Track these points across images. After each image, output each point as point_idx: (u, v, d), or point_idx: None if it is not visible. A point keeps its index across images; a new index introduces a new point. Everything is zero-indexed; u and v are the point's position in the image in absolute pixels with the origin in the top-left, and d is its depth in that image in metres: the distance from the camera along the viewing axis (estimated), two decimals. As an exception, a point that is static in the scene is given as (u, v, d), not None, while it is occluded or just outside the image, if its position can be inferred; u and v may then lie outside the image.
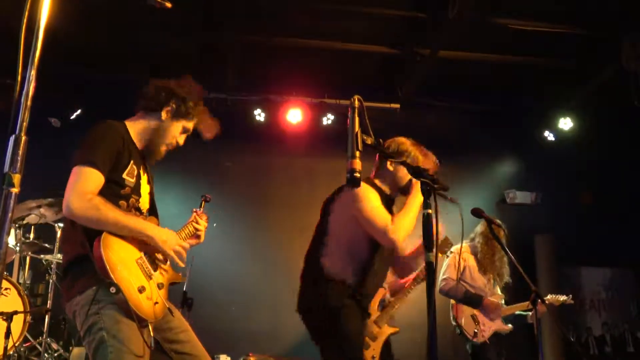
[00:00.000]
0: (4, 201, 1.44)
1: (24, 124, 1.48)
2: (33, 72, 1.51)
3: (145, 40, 5.92)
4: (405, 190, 3.34)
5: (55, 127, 6.45)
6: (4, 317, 4.24)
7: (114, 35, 5.87)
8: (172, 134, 2.67)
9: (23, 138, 1.47)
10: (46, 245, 5.29)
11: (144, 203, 2.66)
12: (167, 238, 2.48)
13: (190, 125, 2.71)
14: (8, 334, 4.22)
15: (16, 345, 4.47)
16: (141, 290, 2.34)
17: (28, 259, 5.39)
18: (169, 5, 1.99)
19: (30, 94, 1.50)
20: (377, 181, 3.39)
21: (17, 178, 1.45)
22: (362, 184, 3.15)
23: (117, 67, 6.40)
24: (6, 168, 1.46)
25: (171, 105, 2.64)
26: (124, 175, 2.50)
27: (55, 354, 4.96)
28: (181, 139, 2.72)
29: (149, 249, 2.49)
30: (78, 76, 6.41)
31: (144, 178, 2.68)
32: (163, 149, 2.69)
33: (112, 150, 2.45)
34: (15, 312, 4.35)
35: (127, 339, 2.27)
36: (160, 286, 2.49)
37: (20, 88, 1.49)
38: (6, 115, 1.49)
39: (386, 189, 3.38)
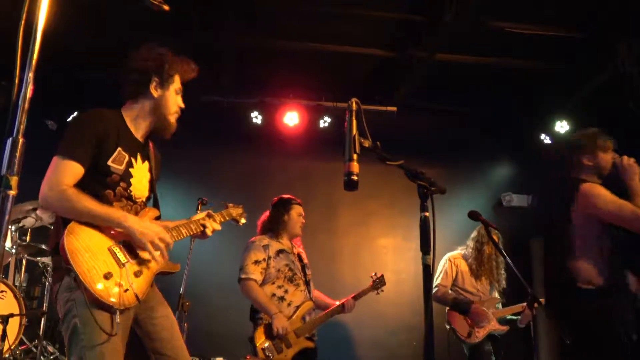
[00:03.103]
0: (1, 203, 1.44)
1: (22, 126, 1.48)
2: (30, 75, 1.51)
3: (141, 42, 5.90)
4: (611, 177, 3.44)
5: (51, 129, 6.43)
6: (0, 320, 4.23)
7: (110, 36, 5.85)
8: (172, 102, 2.69)
9: (20, 140, 1.47)
10: (42, 247, 5.27)
11: (140, 191, 2.63)
12: (146, 230, 2.41)
13: (178, 84, 2.72)
14: (4, 336, 4.21)
15: (12, 348, 4.45)
16: (107, 276, 2.30)
17: (24, 261, 5.38)
18: (166, 7, 1.99)
19: (28, 96, 1.50)
20: (584, 177, 3.45)
21: (14, 180, 1.46)
22: (585, 183, 3.35)
23: (113, 69, 6.38)
24: (3, 170, 1.46)
25: (154, 80, 2.64)
26: (110, 163, 2.48)
27: (51, 357, 4.95)
28: (180, 101, 2.74)
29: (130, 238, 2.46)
30: (74, 77, 6.40)
31: (142, 166, 2.66)
32: (172, 120, 2.71)
33: (91, 138, 2.44)
34: (11, 315, 4.34)
35: (99, 324, 2.26)
36: (137, 274, 2.43)
37: (17, 90, 1.49)
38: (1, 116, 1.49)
39: (595, 181, 3.45)
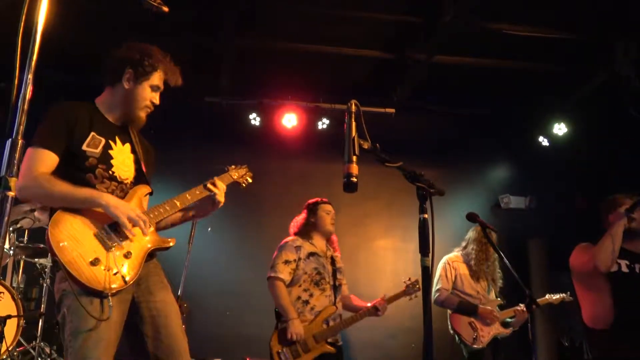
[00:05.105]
0: (0, 204, 1.44)
1: (21, 127, 1.48)
2: (30, 76, 1.51)
3: (141, 43, 5.90)
4: None
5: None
6: (-3, 321, 4.22)
7: (108, 38, 5.83)
8: (142, 97, 2.68)
9: (20, 142, 1.47)
10: (40, 248, 5.25)
11: (124, 172, 2.65)
12: (120, 205, 2.43)
13: (156, 81, 2.71)
14: (1, 338, 4.20)
15: (9, 349, 4.44)
16: (94, 262, 2.33)
17: (22, 262, 5.36)
18: (165, 9, 1.99)
19: (27, 97, 1.50)
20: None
21: (13, 181, 1.46)
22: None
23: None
24: (2, 171, 1.46)
25: (128, 71, 2.66)
26: (85, 147, 2.52)
27: (49, 359, 4.93)
28: (155, 98, 2.73)
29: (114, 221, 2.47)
30: (73, 79, 6.39)
31: (123, 148, 2.69)
32: (140, 114, 2.72)
33: (60, 125, 2.50)
34: (9, 316, 4.33)
35: (88, 311, 2.27)
36: (127, 255, 2.45)
37: (17, 92, 1.49)
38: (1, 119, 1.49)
39: None
